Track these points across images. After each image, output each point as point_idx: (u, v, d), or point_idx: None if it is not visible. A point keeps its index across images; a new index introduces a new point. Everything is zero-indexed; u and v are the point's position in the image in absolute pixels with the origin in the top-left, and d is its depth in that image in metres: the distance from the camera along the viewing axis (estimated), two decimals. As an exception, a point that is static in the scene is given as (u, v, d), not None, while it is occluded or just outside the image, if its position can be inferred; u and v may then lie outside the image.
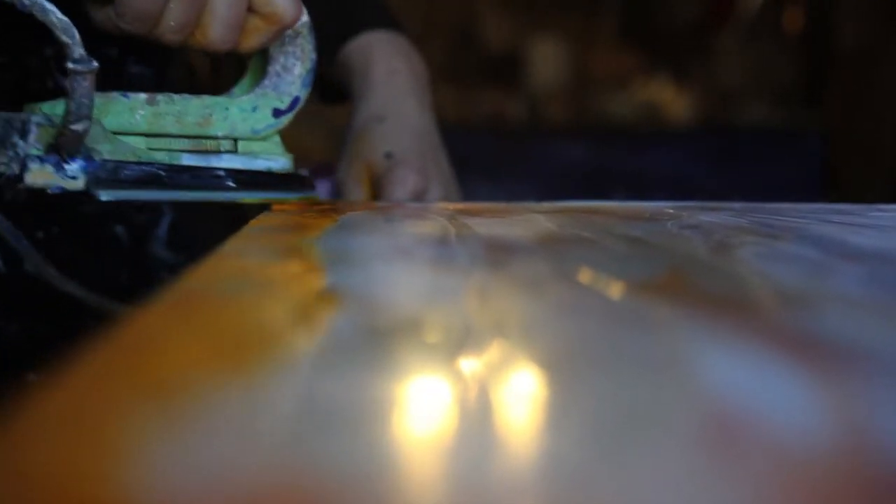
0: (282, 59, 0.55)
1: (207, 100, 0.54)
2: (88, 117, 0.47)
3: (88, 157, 0.49)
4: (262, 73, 0.56)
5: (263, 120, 0.54)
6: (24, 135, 0.49)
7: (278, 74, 0.55)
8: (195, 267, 0.35)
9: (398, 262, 0.35)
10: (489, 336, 0.25)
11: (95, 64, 0.46)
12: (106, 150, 0.50)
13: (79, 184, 0.49)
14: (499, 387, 0.21)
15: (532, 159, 2.00)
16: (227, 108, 0.54)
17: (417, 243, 0.40)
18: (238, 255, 0.37)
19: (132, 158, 0.51)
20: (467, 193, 0.77)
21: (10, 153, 0.49)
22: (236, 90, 0.56)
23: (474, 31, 2.08)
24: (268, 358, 0.23)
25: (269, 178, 0.55)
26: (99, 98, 0.50)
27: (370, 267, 0.35)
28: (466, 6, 2.08)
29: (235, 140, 0.54)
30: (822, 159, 2.12)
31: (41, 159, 0.48)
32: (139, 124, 0.52)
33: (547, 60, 2.09)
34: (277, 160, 0.55)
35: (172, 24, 0.49)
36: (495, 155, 2.00)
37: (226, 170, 0.53)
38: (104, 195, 0.49)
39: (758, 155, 2.07)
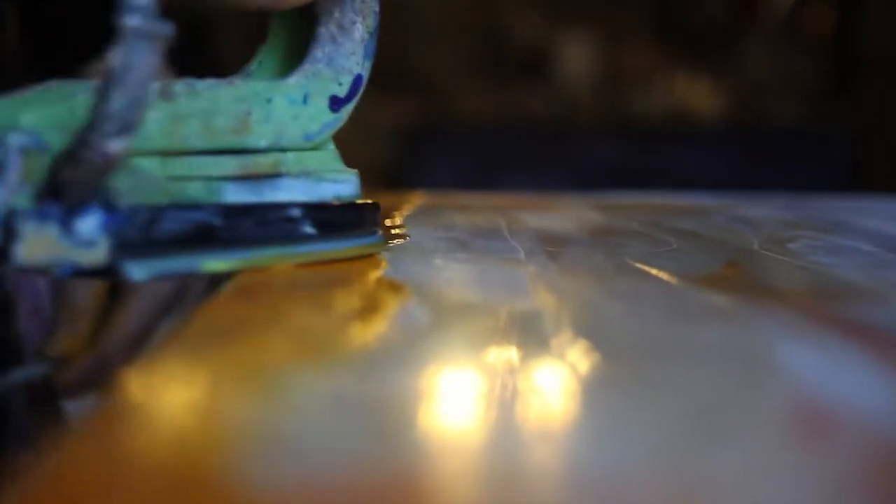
0: (337, 14, 0.36)
1: (241, 87, 0.34)
2: (138, 123, 0.29)
3: (107, 204, 0.30)
4: (295, 38, 0.38)
5: (318, 116, 0.36)
6: None
7: (333, 39, 0.36)
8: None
9: (458, 254, 0.36)
10: (564, 327, 0.25)
11: (170, 27, 0.28)
12: (126, 188, 0.31)
13: (98, 254, 0.30)
14: (584, 378, 0.21)
15: (562, 156, 2.00)
16: (269, 101, 0.35)
17: (472, 235, 0.40)
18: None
19: (162, 199, 0.32)
20: (501, 189, 0.77)
21: None
22: (256, 67, 0.37)
23: (506, 28, 2.08)
24: (351, 351, 0.23)
25: (345, 214, 0.36)
26: (73, 90, 0.32)
27: (430, 258, 0.35)
28: (498, 4, 2.09)
29: (283, 152, 0.35)
30: (850, 160, 2.11)
31: (40, 215, 0.29)
32: (152, 136, 0.32)
33: (578, 58, 2.09)
34: (345, 181, 0.36)
35: None
36: (527, 152, 2.00)
37: (299, 206, 0.35)
38: (137, 271, 0.30)
39: (786, 155, 2.07)
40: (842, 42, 2.23)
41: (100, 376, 0.47)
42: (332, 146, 0.37)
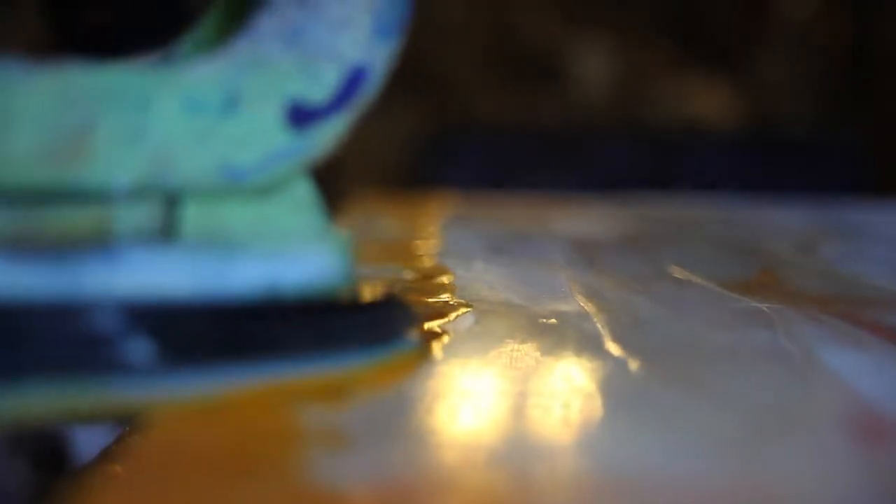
0: None
1: (79, 78, 0.20)
2: None
3: None
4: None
5: (259, 135, 0.21)
6: None
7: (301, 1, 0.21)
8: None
9: (497, 258, 0.36)
10: (609, 330, 0.25)
11: None
12: None
13: None
14: (630, 381, 0.22)
15: (577, 160, 2.00)
16: (144, 104, 0.20)
17: (507, 240, 0.40)
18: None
19: None
20: (517, 193, 0.77)
21: None
22: (189, 51, 0.22)
23: (523, 33, 2.08)
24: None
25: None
26: None
27: (471, 263, 0.35)
28: (515, 9, 2.09)
29: (172, 203, 0.21)
30: (865, 166, 2.11)
31: None
32: None
33: (594, 63, 2.09)
34: (302, 257, 0.21)
35: None
36: (542, 156, 2.00)
37: (118, 308, 0.19)
38: None
39: (802, 160, 2.06)
40: (858, 49, 2.22)
41: None
42: (303, 190, 0.22)
